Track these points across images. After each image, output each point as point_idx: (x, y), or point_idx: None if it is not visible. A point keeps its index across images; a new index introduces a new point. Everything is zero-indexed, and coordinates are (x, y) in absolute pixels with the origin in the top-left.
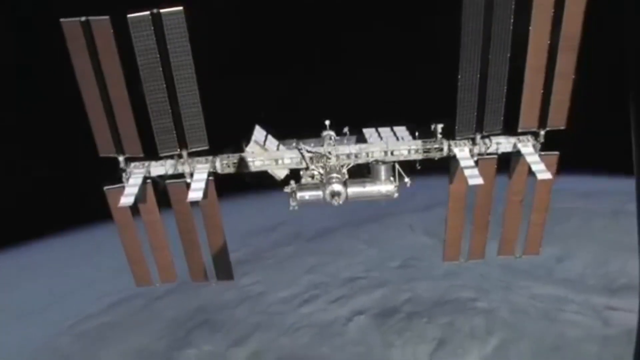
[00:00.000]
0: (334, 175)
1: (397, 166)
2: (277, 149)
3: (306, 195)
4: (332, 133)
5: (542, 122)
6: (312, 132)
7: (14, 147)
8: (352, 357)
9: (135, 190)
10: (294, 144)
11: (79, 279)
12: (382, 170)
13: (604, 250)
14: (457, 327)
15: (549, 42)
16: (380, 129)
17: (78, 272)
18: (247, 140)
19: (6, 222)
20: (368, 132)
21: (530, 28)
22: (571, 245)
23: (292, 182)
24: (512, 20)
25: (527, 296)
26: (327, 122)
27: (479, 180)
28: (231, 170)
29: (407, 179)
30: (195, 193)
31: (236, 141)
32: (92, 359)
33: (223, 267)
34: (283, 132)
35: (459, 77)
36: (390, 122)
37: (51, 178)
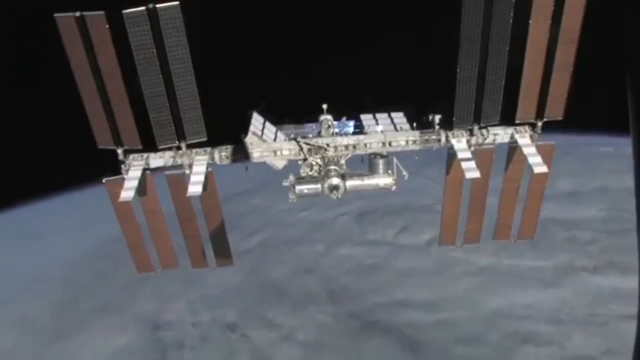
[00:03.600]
0: (332, 167)
1: (395, 160)
2: (275, 136)
3: (305, 188)
4: (329, 118)
5: (540, 113)
6: (310, 116)
7: None
8: (336, 237)
9: (134, 183)
10: (292, 132)
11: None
12: (380, 163)
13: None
14: (418, 219)
15: (548, 35)
16: (378, 115)
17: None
18: (245, 129)
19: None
20: (366, 118)
21: (530, 21)
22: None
23: (291, 175)
24: (512, 14)
25: None
26: (325, 106)
27: (476, 174)
28: (229, 161)
29: (404, 172)
30: (195, 187)
31: (234, 132)
32: (125, 266)
33: (223, 254)
34: (281, 117)
35: (458, 69)
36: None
37: None
